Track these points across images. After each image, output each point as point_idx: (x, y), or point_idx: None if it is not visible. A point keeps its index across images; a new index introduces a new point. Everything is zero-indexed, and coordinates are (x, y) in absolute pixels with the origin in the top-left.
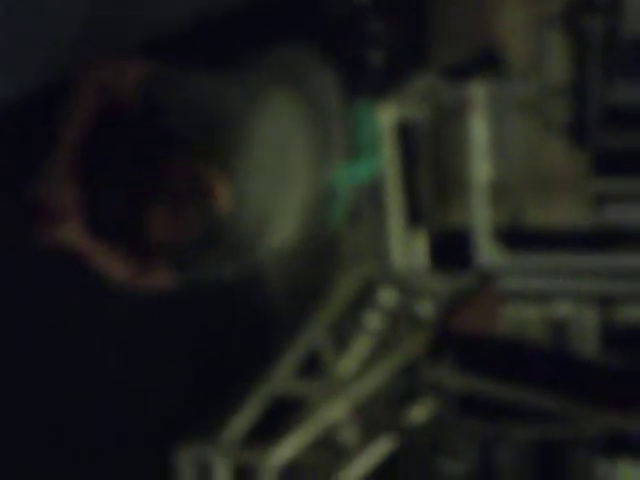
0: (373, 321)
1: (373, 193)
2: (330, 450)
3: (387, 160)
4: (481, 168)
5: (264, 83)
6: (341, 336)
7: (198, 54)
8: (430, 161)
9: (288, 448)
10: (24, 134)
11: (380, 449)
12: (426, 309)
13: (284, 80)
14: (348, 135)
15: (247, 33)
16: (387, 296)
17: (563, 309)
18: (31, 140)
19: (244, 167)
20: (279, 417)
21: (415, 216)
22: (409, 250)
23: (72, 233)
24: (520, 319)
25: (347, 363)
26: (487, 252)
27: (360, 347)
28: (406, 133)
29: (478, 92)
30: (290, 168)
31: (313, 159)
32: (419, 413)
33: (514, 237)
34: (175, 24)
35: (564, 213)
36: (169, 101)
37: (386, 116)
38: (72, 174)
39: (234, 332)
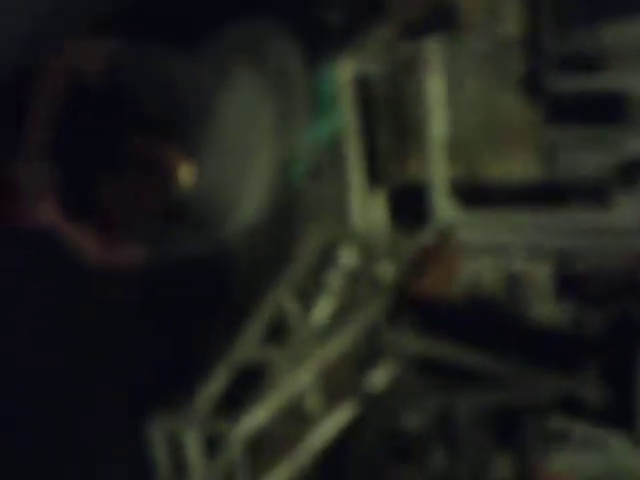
0: (335, 282)
1: (334, 151)
2: (296, 416)
3: (346, 117)
4: (437, 124)
5: (226, 59)
6: (306, 298)
7: (159, 31)
8: (388, 118)
9: (256, 416)
10: None
11: (343, 414)
12: (386, 269)
13: (246, 54)
14: (312, 98)
15: (208, 9)
16: (348, 256)
17: (518, 263)
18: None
19: (208, 143)
20: (248, 384)
21: (374, 174)
22: (369, 208)
23: (45, 212)
24: (476, 273)
25: (311, 326)
26: (444, 208)
27: (324, 309)
28: (365, 89)
29: (433, 49)
30: (254, 141)
31: (277, 130)
32: (382, 376)
33: (470, 192)
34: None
35: (519, 165)
36: (134, 79)
37: (343, 72)
38: (43, 154)
39: (201, 302)
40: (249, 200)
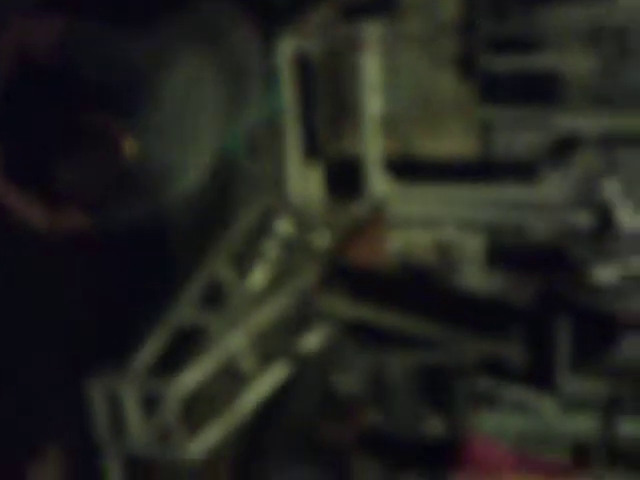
0: (271, 250)
1: (273, 125)
2: (230, 377)
3: (285, 93)
4: (373, 102)
5: (175, 38)
6: (242, 266)
7: (114, 10)
8: (326, 94)
9: (192, 376)
10: None
11: (276, 375)
12: (321, 239)
13: (196, 33)
14: (266, 76)
15: None
16: (284, 226)
17: (449, 234)
18: None
19: (152, 118)
20: (184, 347)
21: (312, 148)
22: (305, 181)
23: None
24: (409, 244)
25: (247, 292)
26: (378, 182)
27: (259, 276)
28: (304, 67)
29: (371, 29)
30: (197, 117)
31: (223, 106)
32: (314, 340)
33: (405, 168)
34: None
35: (453, 143)
36: (83, 56)
37: (283, 49)
38: None
39: (141, 268)
40: (189, 170)
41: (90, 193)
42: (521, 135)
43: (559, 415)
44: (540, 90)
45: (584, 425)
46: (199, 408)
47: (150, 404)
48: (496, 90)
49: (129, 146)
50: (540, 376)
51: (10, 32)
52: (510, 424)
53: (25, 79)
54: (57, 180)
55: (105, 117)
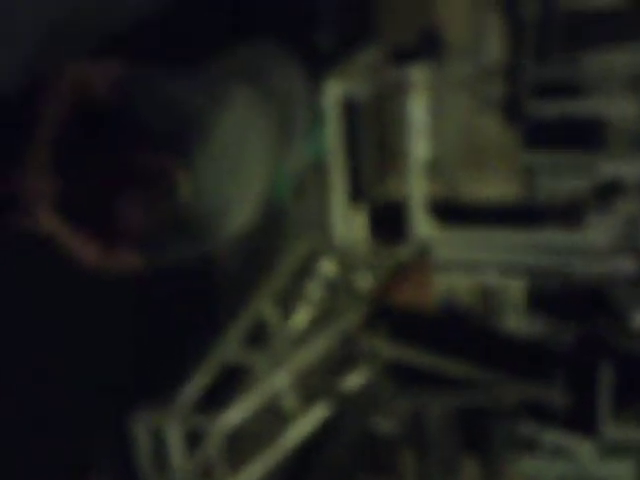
0: (315, 292)
1: (318, 168)
2: (273, 417)
3: (331, 136)
4: (419, 145)
5: (225, 80)
6: (286, 306)
7: (162, 53)
8: (372, 138)
9: (235, 414)
10: None
11: (318, 415)
12: (365, 281)
13: (244, 75)
14: (312, 118)
15: (209, 30)
16: (328, 267)
17: (492, 279)
18: (3, 138)
19: (205, 159)
20: (228, 386)
21: (356, 191)
22: (350, 223)
23: (44, 219)
24: (453, 289)
25: (290, 333)
26: (423, 226)
27: (303, 317)
28: (350, 110)
29: (419, 73)
30: (248, 159)
31: (271, 147)
32: (356, 380)
33: (449, 211)
34: (138, 22)
35: (497, 187)
36: (141, 99)
37: (330, 92)
38: (46, 165)
39: (190, 307)
40: (239, 213)
41: (144, 233)
42: (565, 180)
43: (598, 461)
44: (584, 135)
45: (622, 471)
46: (242, 446)
47: (194, 441)
48: (540, 135)
49: (184, 185)
50: (581, 421)
51: (67, 75)
52: (549, 470)
53: (82, 122)
54: (111, 219)
55: (160, 158)
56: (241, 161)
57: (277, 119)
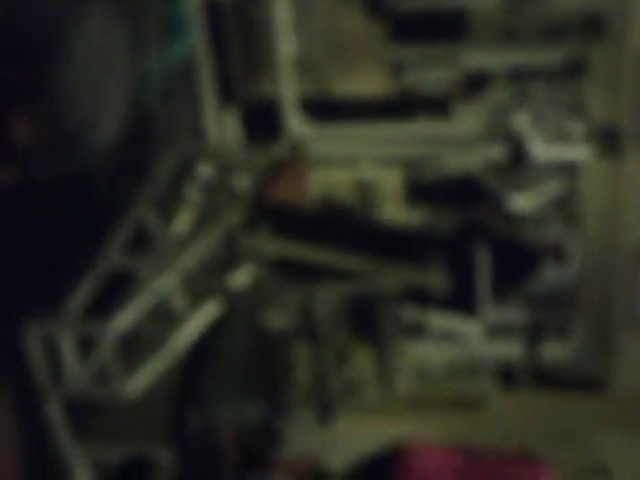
0: (194, 194)
1: (186, 71)
2: (162, 318)
3: (197, 38)
4: (285, 44)
5: None
6: (166, 211)
7: None
8: (239, 38)
9: (125, 318)
10: None
11: (207, 314)
12: (242, 181)
13: None
14: (166, 17)
15: None
16: (205, 170)
17: (368, 173)
18: None
19: (67, 70)
20: (115, 291)
21: (227, 92)
22: (223, 125)
23: None
24: (329, 183)
25: (173, 236)
26: (295, 123)
27: (184, 220)
28: (215, 12)
29: None
30: (109, 64)
31: (130, 53)
32: (243, 278)
33: (321, 108)
34: None
35: (366, 82)
36: (17, 14)
37: None
38: None
39: (67, 217)
40: (107, 120)
41: (15, 146)
42: (432, 72)
43: (484, 342)
44: (449, 27)
45: (508, 351)
46: (134, 350)
47: (86, 347)
48: (406, 29)
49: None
50: (463, 303)
51: None
52: (439, 354)
53: None
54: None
55: (22, 71)
56: (101, 69)
57: (130, 22)
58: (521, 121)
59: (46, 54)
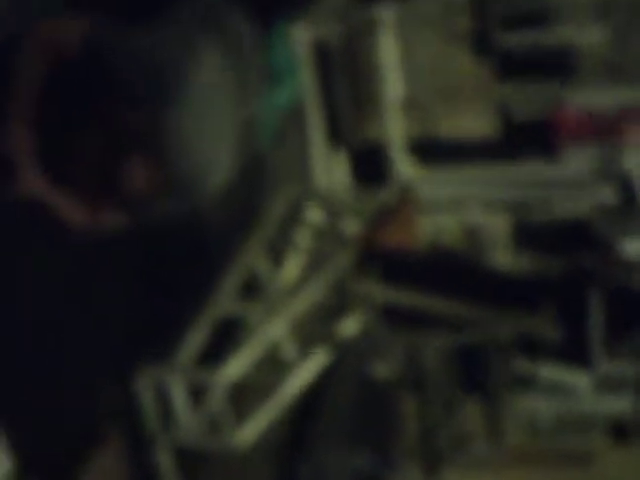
0: (303, 239)
1: (295, 115)
2: (272, 366)
3: (305, 81)
4: (392, 85)
5: (189, 31)
6: (276, 256)
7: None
8: (346, 81)
9: (236, 366)
10: None
11: (317, 362)
12: (351, 225)
13: (206, 25)
14: (266, 64)
15: None
16: (314, 214)
17: (475, 216)
18: None
19: (184, 115)
20: (225, 338)
21: (335, 135)
22: (331, 169)
23: (29, 181)
24: (436, 227)
25: (283, 282)
26: (404, 166)
27: (293, 265)
28: (322, 54)
29: (386, 11)
30: (219, 110)
31: (237, 98)
32: (352, 325)
33: (428, 149)
34: None
35: (473, 121)
36: (113, 55)
37: (300, 37)
38: (26, 126)
39: (178, 262)
40: (219, 165)
41: (137, 192)
42: (539, 111)
43: (594, 396)
44: (556, 65)
45: (619, 406)
46: (245, 398)
47: (197, 396)
48: (512, 67)
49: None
50: (575, 355)
51: (38, 34)
52: (547, 407)
53: (58, 77)
54: (95, 178)
55: (137, 118)
56: (213, 114)
57: (240, 69)
58: (633, 162)
59: (159, 101)
